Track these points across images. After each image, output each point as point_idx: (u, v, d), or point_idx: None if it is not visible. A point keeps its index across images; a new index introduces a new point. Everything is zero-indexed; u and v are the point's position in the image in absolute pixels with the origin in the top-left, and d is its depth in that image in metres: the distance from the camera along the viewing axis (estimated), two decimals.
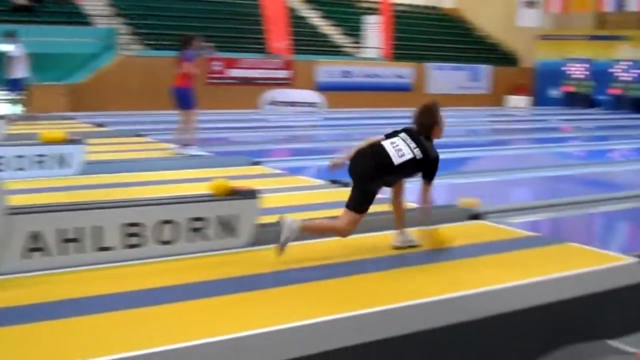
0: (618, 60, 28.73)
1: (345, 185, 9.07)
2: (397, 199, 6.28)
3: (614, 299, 5.38)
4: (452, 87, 28.48)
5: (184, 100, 11.99)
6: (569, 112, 27.64)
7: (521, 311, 4.82)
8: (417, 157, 5.92)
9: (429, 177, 6.05)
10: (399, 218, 6.30)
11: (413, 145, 5.96)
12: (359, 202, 5.89)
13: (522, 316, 4.81)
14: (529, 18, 30.46)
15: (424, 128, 6.07)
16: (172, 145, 12.41)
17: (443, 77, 28.18)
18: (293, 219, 5.76)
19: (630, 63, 28.37)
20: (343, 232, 5.96)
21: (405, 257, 6.03)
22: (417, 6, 36.30)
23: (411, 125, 6.16)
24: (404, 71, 26.95)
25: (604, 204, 9.42)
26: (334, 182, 9.31)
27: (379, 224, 6.66)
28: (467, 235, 6.81)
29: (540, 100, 30.41)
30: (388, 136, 6.14)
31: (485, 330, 4.62)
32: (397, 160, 5.88)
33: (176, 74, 11.97)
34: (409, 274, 5.59)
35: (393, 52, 28.37)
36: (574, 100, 30.00)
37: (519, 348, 4.78)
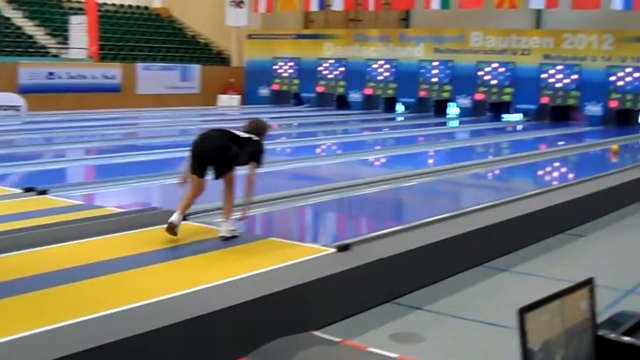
0: (324, 59, 30.03)
1: (42, 192, 8.61)
2: (228, 190, 6.81)
3: (316, 289, 5.49)
4: (163, 87, 28.18)
5: None
6: (277, 109, 28.45)
7: (224, 310, 4.78)
8: (253, 138, 6.88)
9: (257, 159, 6.84)
10: (228, 208, 6.77)
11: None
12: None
13: (226, 315, 4.77)
14: (238, 17, 30.92)
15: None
16: None
17: (153, 77, 27.79)
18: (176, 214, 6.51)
19: (334, 61, 29.77)
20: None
21: (94, 267, 5.73)
22: (125, 6, 35.65)
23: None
24: (111, 72, 26.17)
25: (307, 198, 9.69)
26: (28, 190, 8.74)
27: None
28: (171, 237, 6.67)
29: (250, 98, 30.99)
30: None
31: (189, 331, 4.51)
32: (241, 134, 6.83)
33: None
34: (96, 284, 5.32)
35: (100, 53, 27.55)
36: (281, 98, 30.96)
37: (226, 347, 4.72)
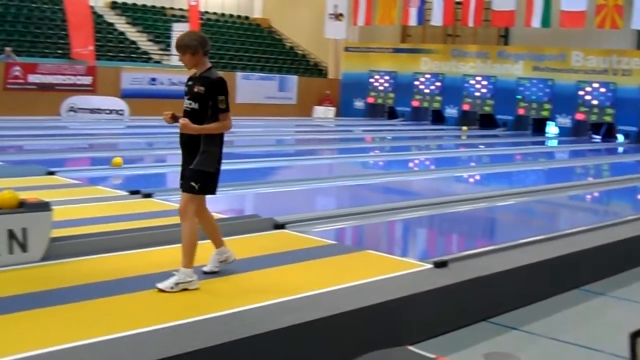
0: (420, 73, 29.97)
1: (147, 195, 8.90)
2: (202, 214, 5.75)
3: (413, 305, 5.51)
4: (260, 96, 28.64)
5: None
6: (371, 122, 28.53)
7: (322, 319, 4.84)
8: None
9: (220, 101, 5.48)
10: (214, 234, 5.86)
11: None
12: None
13: (323, 324, 4.83)
14: (336, 30, 31.19)
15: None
16: None
17: (251, 87, 28.27)
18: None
19: (431, 76, 29.68)
20: None
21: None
22: (227, 15, 36.37)
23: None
24: None
25: (402, 212, 9.71)
26: (134, 192, 9.05)
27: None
28: (269, 245, 6.81)
29: (345, 111, 31.19)
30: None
31: (285, 340, 4.59)
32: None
33: None
34: (208, 285, 5.48)
35: None
36: (376, 111, 31.02)
37: (321, 357, 4.79)
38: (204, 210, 5.75)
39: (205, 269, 5.72)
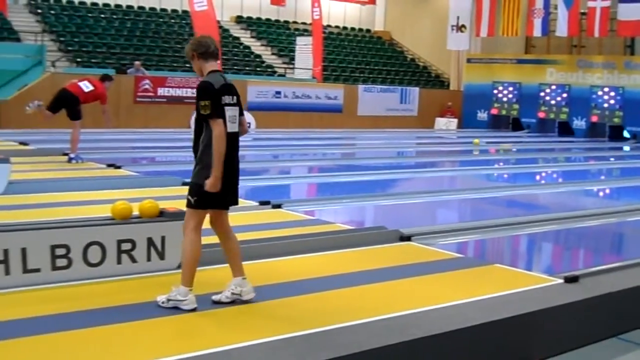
0: (546, 84, 29.42)
1: (277, 206, 9.13)
2: (222, 233, 5.36)
3: (544, 320, 5.47)
4: (382, 109, 28.74)
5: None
6: (495, 134, 28.18)
7: (453, 332, 4.86)
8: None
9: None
10: (233, 259, 5.34)
11: None
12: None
13: (454, 338, 4.85)
14: (459, 42, 31.02)
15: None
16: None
17: (373, 99, 28.40)
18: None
19: (556, 87, 29.09)
20: None
21: (336, 279, 6.02)
22: (348, 28, 36.74)
23: None
24: (334, 92, 27.05)
25: (528, 226, 9.58)
26: (264, 203, 9.30)
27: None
28: (396, 257, 6.87)
29: (468, 122, 30.93)
30: None
31: (413, 353, 4.64)
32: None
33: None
34: (337, 296, 5.58)
35: (323, 74, 28.55)
36: (500, 123, 30.63)
37: None
38: (222, 228, 5.33)
39: (214, 297, 5.24)
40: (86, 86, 12.91)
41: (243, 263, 5.36)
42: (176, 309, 4.96)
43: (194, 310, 4.97)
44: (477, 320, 5.05)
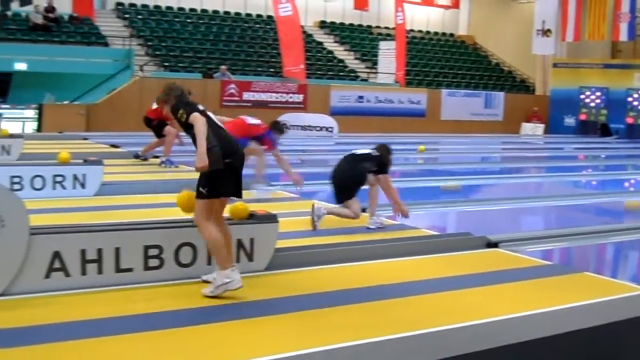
0: (634, 89, 28.74)
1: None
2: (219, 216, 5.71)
3: (630, 329, 5.37)
4: (466, 113, 28.51)
5: None
6: (583, 140, 27.64)
7: (541, 340, 4.82)
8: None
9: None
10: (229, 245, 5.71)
11: None
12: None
13: (542, 345, 4.81)
14: (544, 46, 30.57)
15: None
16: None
17: (456, 104, 28.20)
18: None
19: None
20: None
21: (424, 284, 6.02)
22: (432, 32, 36.57)
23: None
24: (417, 97, 26.97)
25: (617, 234, 9.39)
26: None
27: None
28: (483, 263, 6.83)
29: (555, 128, 30.42)
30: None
31: (505, 359, 4.62)
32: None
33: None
34: (425, 301, 5.59)
35: (406, 78, 28.48)
36: (587, 128, 30.03)
37: None
38: (219, 214, 5.65)
39: (203, 277, 5.71)
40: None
41: (326, 267, 5.44)
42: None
43: (240, 287, 5.28)
44: (565, 329, 5.00)
